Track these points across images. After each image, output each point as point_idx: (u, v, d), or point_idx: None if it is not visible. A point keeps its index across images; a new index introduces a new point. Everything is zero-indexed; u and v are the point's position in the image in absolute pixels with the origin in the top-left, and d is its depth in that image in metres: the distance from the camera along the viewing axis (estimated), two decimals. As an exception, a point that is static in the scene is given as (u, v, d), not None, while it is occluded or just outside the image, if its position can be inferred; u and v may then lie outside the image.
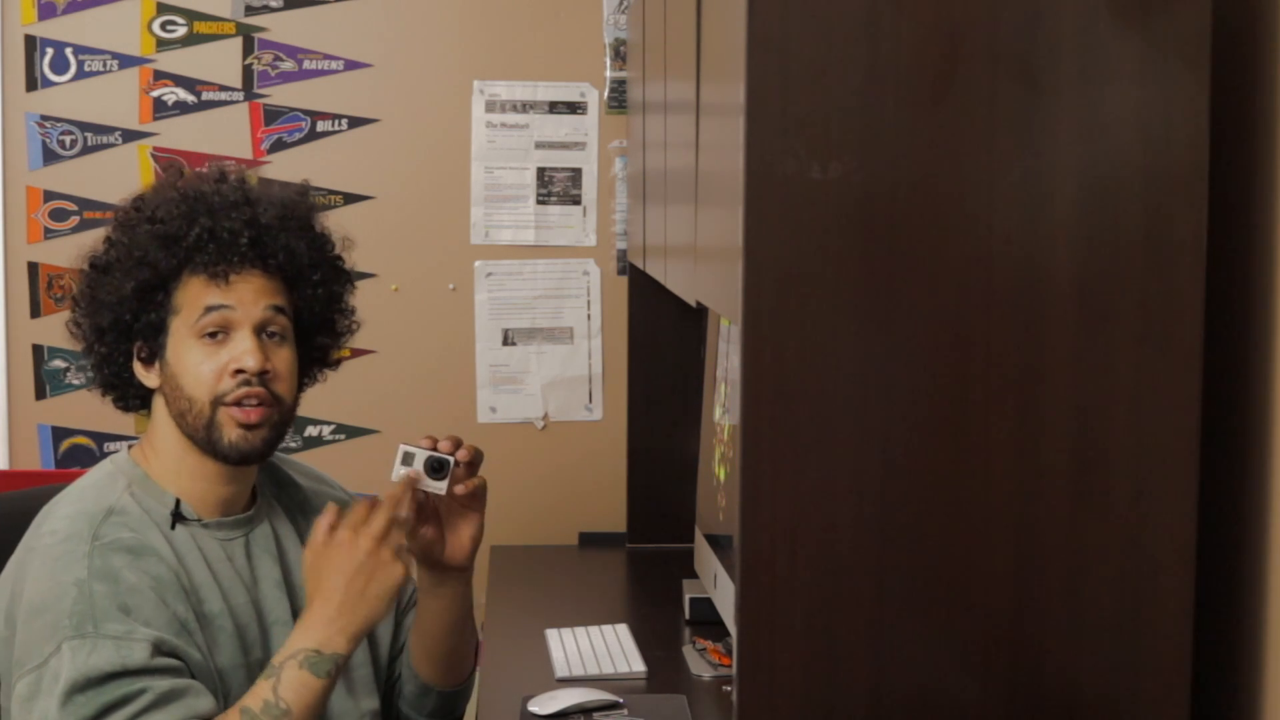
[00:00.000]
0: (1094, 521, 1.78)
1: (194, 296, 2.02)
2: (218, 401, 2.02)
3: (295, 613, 2.09)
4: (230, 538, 2.07)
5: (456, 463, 2.10)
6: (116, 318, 2.03)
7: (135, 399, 2.10)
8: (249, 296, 2.04)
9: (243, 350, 2.01)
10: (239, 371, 2.01)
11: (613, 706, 2.47)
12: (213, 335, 2.02)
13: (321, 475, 2.29)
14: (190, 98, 3.63)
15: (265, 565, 2.09)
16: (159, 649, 1.88)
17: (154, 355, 2.05)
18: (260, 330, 2.04)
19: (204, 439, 2.02)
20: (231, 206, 2.05)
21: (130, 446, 2.11)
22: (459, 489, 2.11)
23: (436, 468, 2.09)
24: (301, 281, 2.10)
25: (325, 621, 1.95)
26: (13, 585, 1.98)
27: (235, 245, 2.03)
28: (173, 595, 1.94)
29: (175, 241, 2.02)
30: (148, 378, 2.05)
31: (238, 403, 2.02)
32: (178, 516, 2.02)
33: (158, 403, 2.06)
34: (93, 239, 2.13)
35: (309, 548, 2.00)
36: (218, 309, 2.02)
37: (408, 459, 2.09)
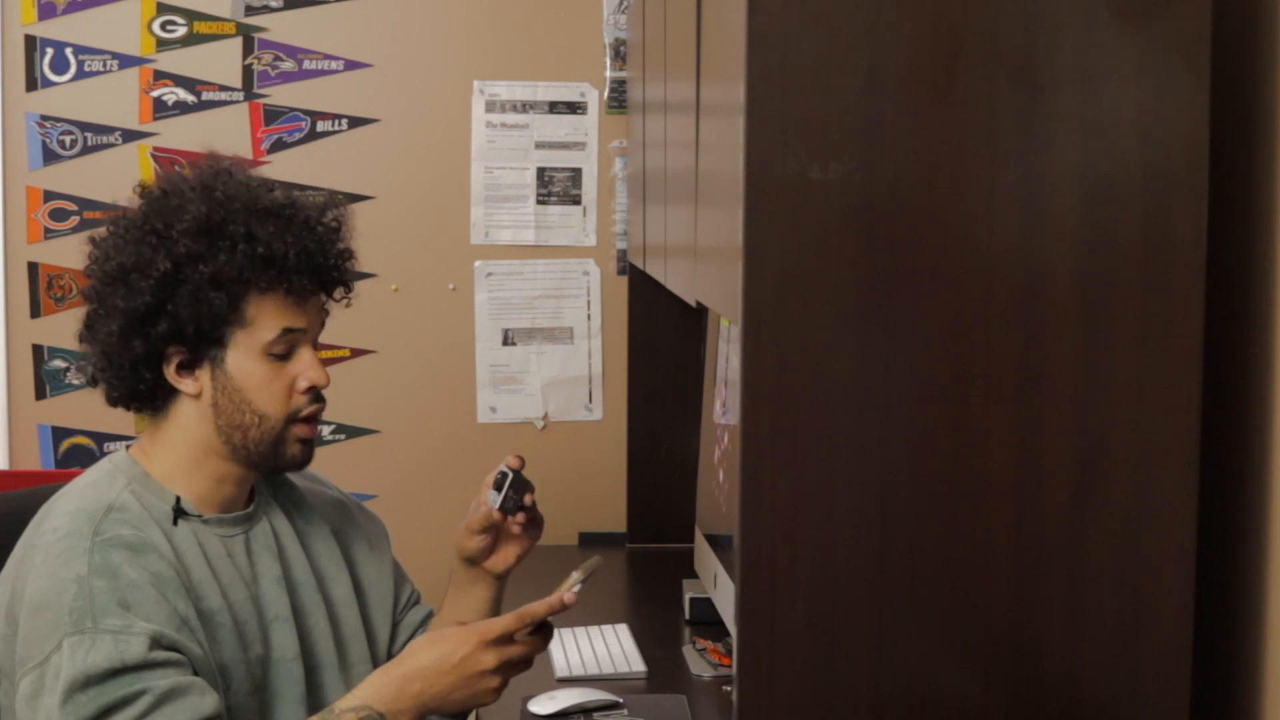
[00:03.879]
0: (1094, 521, 1.78)
1: (271, 315, 2.02)
2: (291, 418, 2.05)
3: (295, 609, 2.09)
4: (231, 534, 2.07)
5: (528, 501, 2.19)
6: (176, 327, 2.01)
7: (148, 400, 2.08)
8: (314, 316, 2.07)
9: (310, 367, 2.05)
10: (309, 388, 2.05)
11: (613, 706, 2.47)
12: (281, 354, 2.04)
13: (314, 474, 2.29)
14: (190, 98, 3.63)
15: (265, 562, 2.09)
16: (157, 642, 1.88)
17: (196, 363, 2.03)
18: (313, 343, 2.08)
19: (267, 452, 2.04)
20: (313, 225, 2.06)
21: (128, 446, 2.11)
22: (515, 525, 2.21)
23: (498, 486, 2.17)
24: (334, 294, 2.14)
25: (405, 695, 1.98)
26: (13, 583, 1.98)
27: (326, 269, 2.06)
28: (173, 592, 1.94)
29: (272, 263, 2.00)
30: (185, 384, 2.03)
31: (308, 419, 2.06)
32: (179, 512, 2.02)
33: (185, 407, 2.05)
34: (128, 239, 2.07)
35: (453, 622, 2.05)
36: (295, 332, 2.03)
37: (500, 482, 2.17)
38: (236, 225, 2.01)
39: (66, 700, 1.85)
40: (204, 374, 2.03)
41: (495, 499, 2.17)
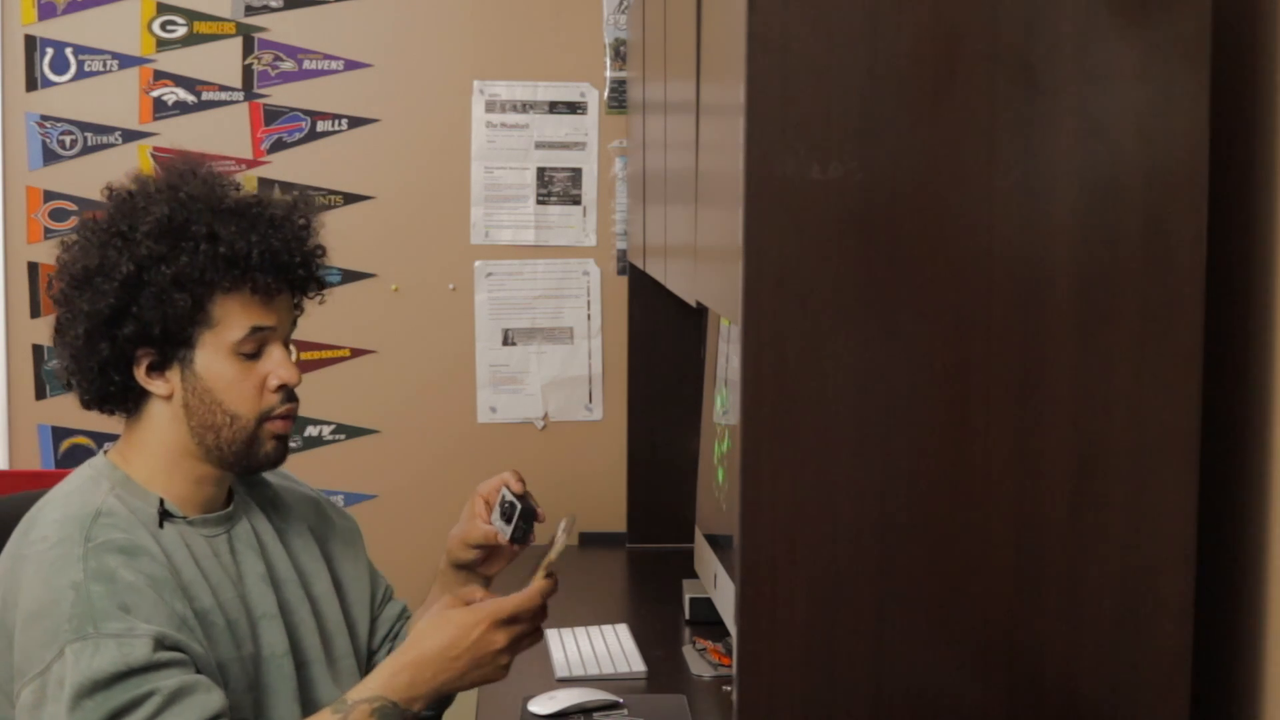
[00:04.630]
0: (1094, 521, 1.78)
1: (237, 314, 2.01)
2: (263, 418, 2.04)
3: (282, 606, 2.09)
4: (214, 534, 2.07)
5: (536, 519, 2.21)
6: (142, 329, 2.01)
7: (120, 402, 2.08)
8: (283, 314, 2.06)
9: (281, 365, 2.04)
10: (281, 386, 2.04)
11: (613, 706, 2.47)
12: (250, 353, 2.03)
13: (285, 472, 2.29)
14: (190, 98, 3.63)
15: (249, 560, 2.09)
16: (161, 643, 1.88)
17: (165, 364, 2.03)
18: (284, 341, 2.07)
19: (241, 452, 2.04)
20: (279, 224, 2.05)
21: (106, 450, 2.10)
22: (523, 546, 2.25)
23: (507, 517, 2.18)
24: (308, 293, 2.13)
25: (418, 682, 1.99)
26: (3, 594, 1.97)
27: (291, 267, 2.06)
28: (169, 593, 1.94)
29: (235, 263, 2.00)
30: (155, 385, 2.03)
31: (281, 417, 2.05)
32: (165, 514, 2.02)
33: (158, 408, 2.05)
34: (93, 242, 2.08)
35: (448, 599, 2.05)
36: (263, 330, 2.03)
37: (509, 513, 2.18)
38: (199, 225, 2.01)
39: (74, 707, 1.84)
40: (174, 375, 2.03)
41: (505, 530, 2.17)
